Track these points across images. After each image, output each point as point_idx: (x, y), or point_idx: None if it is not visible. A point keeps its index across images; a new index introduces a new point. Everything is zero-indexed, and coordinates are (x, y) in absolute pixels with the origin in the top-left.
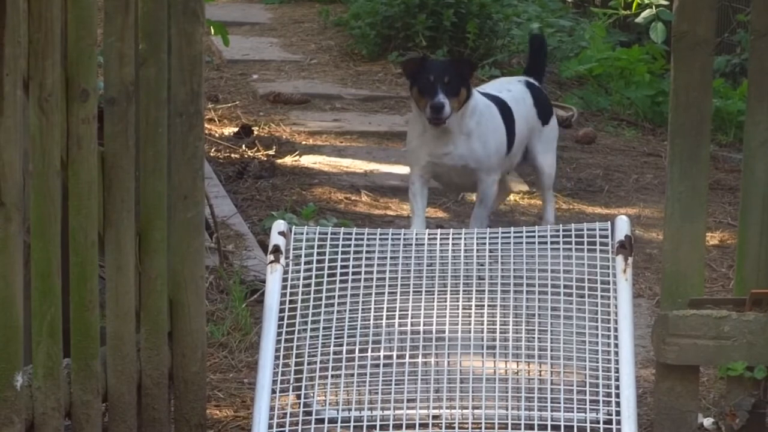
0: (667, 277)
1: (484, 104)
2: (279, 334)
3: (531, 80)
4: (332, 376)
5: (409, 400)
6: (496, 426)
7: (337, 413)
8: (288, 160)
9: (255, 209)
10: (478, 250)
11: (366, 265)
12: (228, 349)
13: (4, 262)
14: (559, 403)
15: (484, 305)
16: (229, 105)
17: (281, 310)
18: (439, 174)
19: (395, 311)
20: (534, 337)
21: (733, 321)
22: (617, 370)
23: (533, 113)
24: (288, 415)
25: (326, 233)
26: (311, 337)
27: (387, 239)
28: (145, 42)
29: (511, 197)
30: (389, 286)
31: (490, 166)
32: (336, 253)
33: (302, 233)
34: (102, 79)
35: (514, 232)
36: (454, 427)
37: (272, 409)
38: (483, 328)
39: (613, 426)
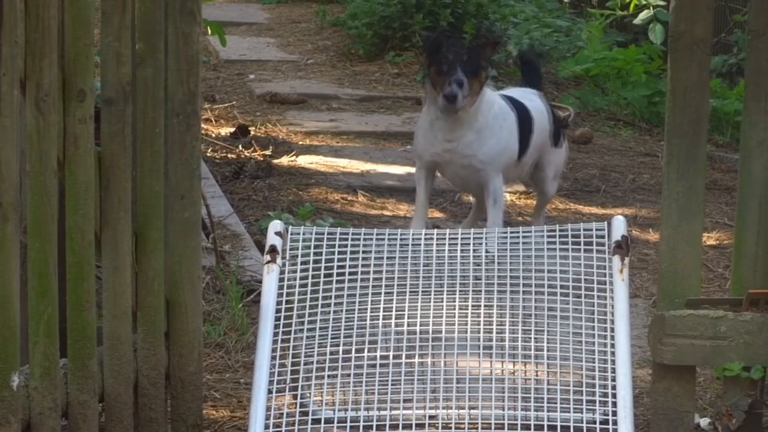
0: (663, 277)
1: (501, 106)
2: (275, 334)
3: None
4: (329, 376)
5: (405, 401)
6: (493, 426)
7: (334, 413)
8: (285, 160)
9: (252, 209)
10: (474, 250)
11: (362, 265)
12: (224, 349)
13: (1, 262)
14: (556, 403)
15: (480, 305)
16: (226, 105)
17: (278, 311)
18: (444, 167)
19: (392, 311)
20: (530, 338)
21: (730, 321)
22: (614, 371)
23: (548, 131)
24: (284, 415)
25: (323, 233)
26: (308, 337)
27: (384, 239)
28: (142, 42)
29: (508, 197)
30: (386, 286)
31: (496, 167)
32: (332, 253)
33: (299, 233)
34: (99, 79)
35: (511, 232)
36: (450, 427)
37: (269, 409)
38: (479, 328)
39: (610, 426)
